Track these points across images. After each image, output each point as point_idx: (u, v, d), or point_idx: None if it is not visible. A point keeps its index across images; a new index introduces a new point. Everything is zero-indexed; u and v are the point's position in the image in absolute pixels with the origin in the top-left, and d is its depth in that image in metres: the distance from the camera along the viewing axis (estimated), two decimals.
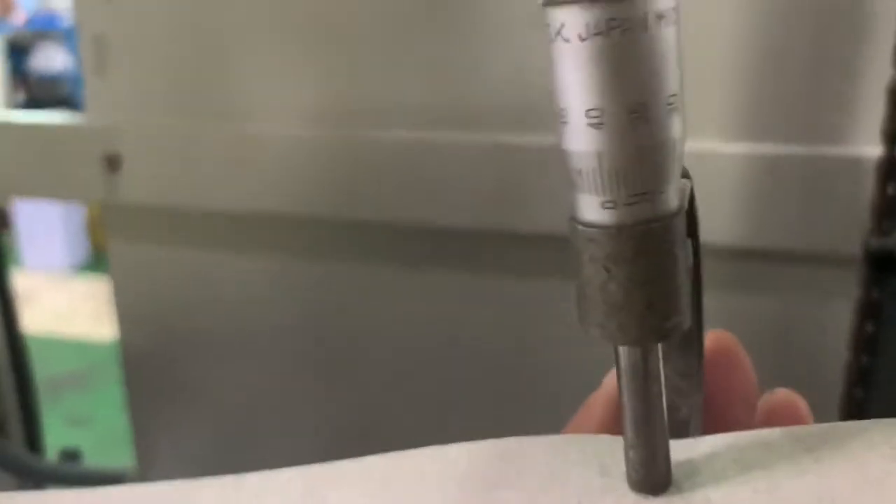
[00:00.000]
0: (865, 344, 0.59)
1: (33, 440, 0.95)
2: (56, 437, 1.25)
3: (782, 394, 0.29)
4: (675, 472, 0.21)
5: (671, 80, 0.18)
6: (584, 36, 0.17)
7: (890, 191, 0.57)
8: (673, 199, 0.19)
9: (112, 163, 0.80)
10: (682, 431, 0.27)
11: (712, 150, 0.64)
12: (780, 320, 0.67)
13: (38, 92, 3.28)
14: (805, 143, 0.63)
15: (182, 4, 0.78)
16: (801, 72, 0.62)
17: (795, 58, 0.62)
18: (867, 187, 0.59)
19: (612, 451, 0.22)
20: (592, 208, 0.19)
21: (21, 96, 3.34)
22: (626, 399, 0.21)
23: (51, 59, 3.31)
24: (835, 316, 0.64)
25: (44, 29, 3.41)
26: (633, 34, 0.17)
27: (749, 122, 0.64)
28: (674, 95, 0.18)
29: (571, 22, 0.18)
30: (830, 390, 0.62)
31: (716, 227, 0.65)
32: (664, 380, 0.27)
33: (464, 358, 0.81)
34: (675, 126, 0.18)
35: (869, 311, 0.58)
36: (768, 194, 0.64)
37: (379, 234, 0.79)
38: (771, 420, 0.28)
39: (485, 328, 0.79)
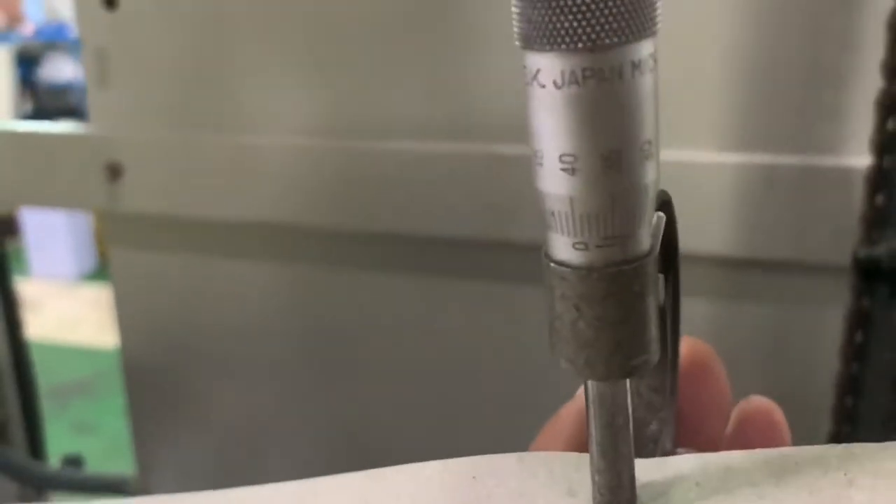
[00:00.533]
0: (855, 353, 0.59)
1: (36, 446, 0.96)
2: (61, 445, 1.26)
3: (757, 402, 0.29)
4: (641, 493, 0.22)
5: (646, 128, 0.18)
6: (559, 84, 0.18)
7: (878, 200, 0.57)
8: (645, 240, 0.19)
9: (114, 172, 0.81)
10: (650, 446, 0.27)
11: (704, 160, 0.65)
12: (772, 329, 0.68)
13: (46, 102, 3.30)
14: (796, 154, 0.63)
15: (184, 18, 0.79)
16: (793, 83, 0.63)
17: (787, 69, 0.63)
18: (858, 197, 0.59)
19: (580, 471, 0.23)
20: (564, 248, 0.20)
21: (29, 106, 3.37)
22: (592, 428, 0.22)
23: (59, 70, 3.33)
24: (827, 325, 0.64)
25: (52, 40, 3.44)
26: (609, 84, 0.18)
27: (741, 133, 0.65)
28: (648, 142, 0.18)
29: (547, 68, 0.18)
30: (823, 399, 0.62)
31: (707, 236, 0.65)
32: (636, 395, 0.27)
33: (463, 366, 0.81)
34: (649, 172, 0.19)
35: (858, 321, 0.58)
36: (760, 204, 0.65)
37: (378, 244, 0.80)
38: (745, 428, 0.29)
39: (482, 336, 0.80)
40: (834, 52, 0.61)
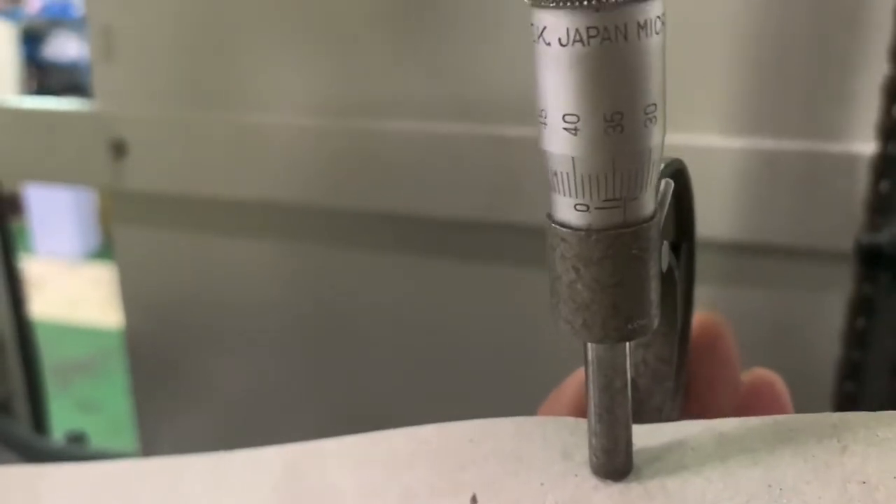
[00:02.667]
0: (857, 339, 0.59)
1: (39, 423, 0.96)
2: (65, 422, 1.26)
3: (760, 373, 0.29)
4: (637, 458, 0.22)
5: (651, 91, 0.18)
6: (564, 42, 0.17)
7: (883, 187, 0.57)
8: (647, 205, 0.19)
9: (118, 149, 0.81)
10: (654, 417, 0.27)
11: (709, 145, 0.65)
12: (775, 314, 0.68)
13: (52, 80, 3.30)
14: (801, 139, 0.63)
15: None
16: (799, 68, 0.63)
17: (793, 54, 0.63)
18: (862, 183, 0.59)
19: (576, 435, 0.23)
20: (566, 208, 0.20)
21: (35, 84, 3.37)
22: (590, 390, 0.22)
23: (64, 48, 3.33)
24: (829, 310, 0.65)
25: (58, 17, 3.43)
26: (614, 44, 0.17)
27: (746, 118, 0.65)
28: (652, 105, 0.18)
29: (553, 26, 0.18)
30: (823, 385, 0.62)
31: (711, 221, 0.65)
32: (642, 364, 0.27)
33: (468, 346, 0.81)
34: (653, 136, 0.19)
35: (860, 307, 0.58)
36: (764, 189, 0.65)
37: (380, 224, 0.80)
38: (749, 399, 0.29)
39: (483, 316, 0.80)
40: (841, 38, 0.61)
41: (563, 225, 0.20)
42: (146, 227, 0.87)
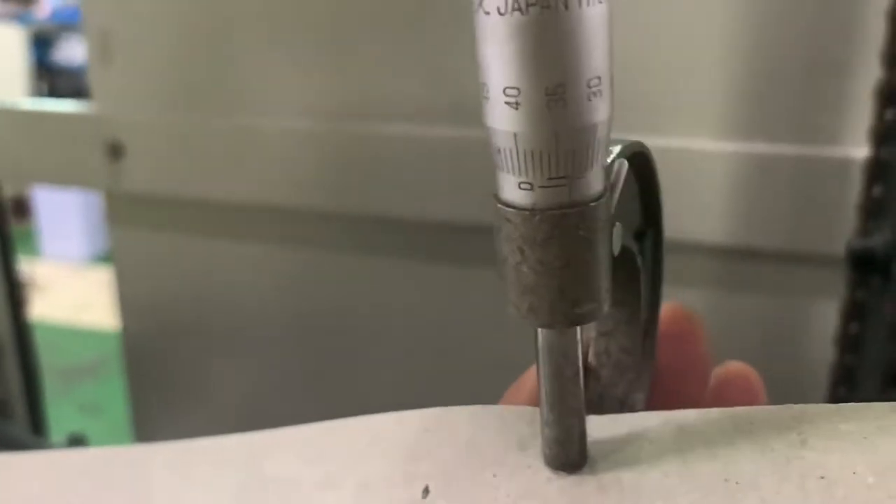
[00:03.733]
0: (849, 344, 0.59)
1: (38, 425, 0.97)
2: (68, 425, 1.27)
3: (733, 366, 0.29)
4: (592, 450, 0.22)
5: (595, 63, 0.17)
6: (502, 10, 0.17)
7: (875, 191, 0.57)
8: (594, 184, 0.19)
9: (115, 151, 0.81)
10: (615, 408, 0.27)
11: (702, 149, 0.65)
12: (767, 319, 0.68)
13: (61, 83, 3.32)
14: (794, 143, 0.63)
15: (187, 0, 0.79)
16: (792, 72, 0.62)
17: (786, 58, 0.63)
18: (854, 188, 0.59)
19: (533, 426, 0.23)
20: (510, 188, 0.19)
21: (45, 87, 3.39)
22: (541, 379, 0.21)
23: (73, 52, 3.34)
24: (822, 315, 0.64)
25: (67, 22, 3.45)
26: (553, 12, 0.17)
27: (739, 122, 0.64)
28: (596, 79, 0.17)
29: None
30: (816, 390, 0.62)
31: (704, 224, 0.65)
32: (605, 354, 0.27)
33: (468, 350, 0.81)
34: (598, 111, 0.18)
35: (853, 312, 0.58)
36: (757, 193, 0.64)
37: (378, 227, 0.80)
38: (722, 392, 0.28)
39: (484, 320, 0.80)
40: (833, 42, 0.61)
41: (507, 205, 0.19)
42: (143, 229, 0.87)
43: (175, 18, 0.79)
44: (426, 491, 0.22)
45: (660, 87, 0.65)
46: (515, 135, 0.18)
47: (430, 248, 0.79)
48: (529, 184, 0.18)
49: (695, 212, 0.65)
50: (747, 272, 0.67)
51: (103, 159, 0.82)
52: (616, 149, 0.22)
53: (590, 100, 0.17)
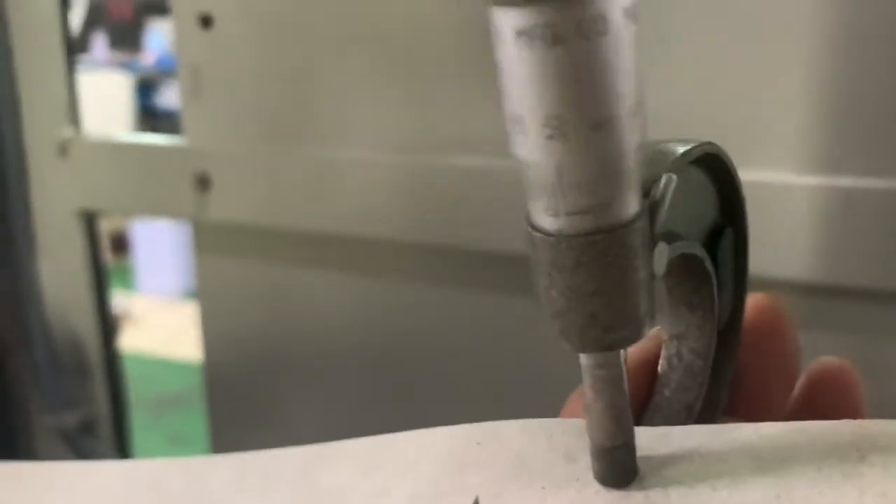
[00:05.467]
0: None
1: (123, 449, 1.00)
2: (156, 454, 1.30)
3: (827, 363, 0.27)
4: (642, 464, 0.22)
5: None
6: (541, 42, 0.16)
7: None
8: (627, 208, 0.18)
9: (202, 183, 0.84)
10: (682, 415, 0.26)
11: (786, 182, 0.63)
12: (855, 360, 0.65)
13: (163, 126, 3.47)
14: (884, 177, 0.61)
15: (274, 37, 0.82)
16: (879, 102, 0.60)
17: (875, 87, 0.61)
18: None
19: (583, 438, 0.23)
20: (538, 213, 0.19)
21: (148, 130, 3.55)
22: (587, 397, 0.21)
23: (175, 97, 3.49)
24: None
25: (170, 69, 3.61)
26: (593, 42, 0.16)
27: (825, 154, 0.63)
28: (637, 104, 0.17)
29: (524, 25, 0.16)
30: None
31: (789, 261, 0.63)
32: (676, 357, 0.26)
33: (544, 384, 0.80)
34: (635, 136, 0.17)
35: None
36: (845, 229, 0.62)
37: (460, 259, 0.80)
38: (812, 394, 0.26)
39: (562, 356, 0.79)
40: None
41: (536, 229, 0.19)
42: (228, 259, 0.89)
43: (261, 56, 0.82)
44: (476, 502, 0.22)
45: (741, 118, 0.64)
46: (537, 164, 0.18)
47: (507, 280, 0.79)
48: (554, 210, 0.18)
49: (778, 247, 0.63)
50: (833, 311, 0.65)
51: (191, 190, 0.85)
52: (677, 151, 0.21)
53: (628, 125, 0.17)
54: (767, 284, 0.64)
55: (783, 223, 0.63)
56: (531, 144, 0.18)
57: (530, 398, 0.82)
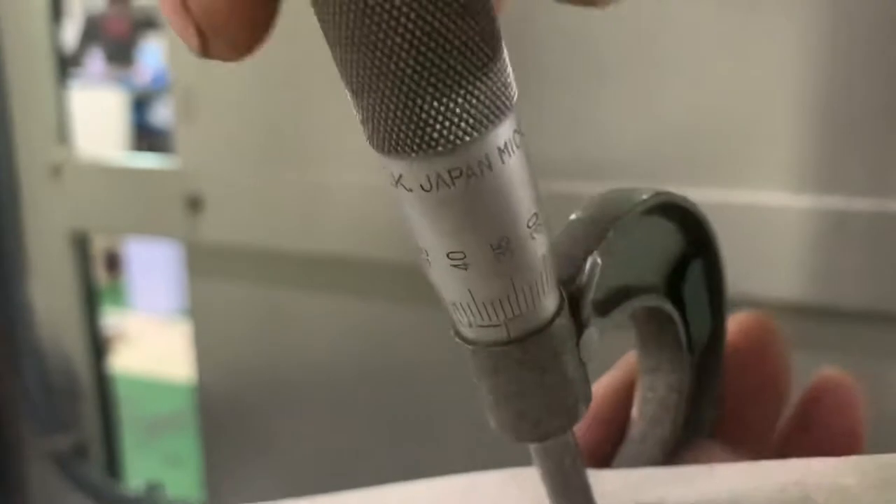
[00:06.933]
0: None
1: (115, 470, 0.99)
2: (150, 474, 1.29)
3: (826, 378, 0.26)
4: None
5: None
6: (426, 187, 0.16)
7: None
8: (541, 313, 0.18)
9: (195, 204, 0.84)
10: (657, 449, 0.26)
11: (778, 203, 0.63)
12: None
13: (158, 144, 3.47)
14: (874, 197, 0.61)
15: (267, 61, 0.81)
16: (872, 123, 0.61)
17: (865, 108, 0.61)
18: None
19: None
20: (457, 323, 0.19)
21: (143, 147, 3.55)
22: (541, 478, 0.21)
23: (170, 114, 3.49)
24: None
25: (166, 86, 3.61)
26: (479, 178, 0.16)
27: (816, 175, 0.63)
28: (534, 216, 0.17)
29: (410, 173, 0.16)
30: None
31: (779, 282, 0.63)
32: (650, 390, 0.26)
33: None
34: (541, 245, 0.18)
35: None
36: (835, 249, 0.62)
37: None
38: (810, 410, 0.26)
39: None
40: None
41: (458, 335, 0.19)
42: (220, 281, 0.89)
43: (254, 78, 0.82)
44: None
45: (733, 139, 0.64)
46: (459, 289, 0.18)
47: None
48: (469, 322, 0.18)
49: (769, 268, 0.63)
50: (823, 332, 0.65)
51: (184, 212, 0.85)
52: (623, 211, 0.22)
53: (529, 241, 0.17)
54: (758, 304, 0.63)
55: (775, 244, 0.63)
56: (439, 273, 0.18)
57: None
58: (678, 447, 0.26)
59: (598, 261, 0.20)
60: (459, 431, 0.83)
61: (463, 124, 0.16)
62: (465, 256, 0.17)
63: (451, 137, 0.16)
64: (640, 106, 0.66)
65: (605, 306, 0.21)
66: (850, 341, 0.64)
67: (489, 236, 0.17)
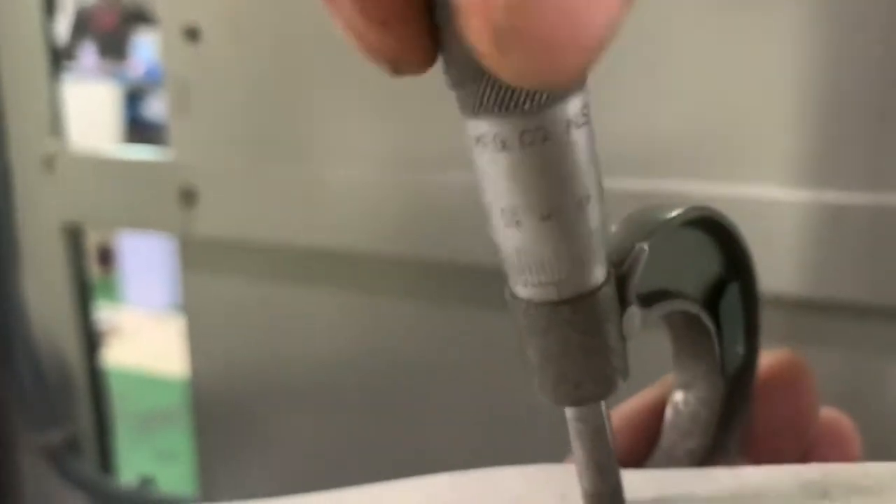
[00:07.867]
0: None
1: (107, 465, 0.99)
2: (144, 468, 1.29)
3: (825, 417, 0.27)
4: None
5: (585, 183, 0.19)
6: (506, 146, 0.18)
7: None
8: (588, 279, 0.20)
9: (188, 197, 0.84)
10: (684, 461, 0.27)
11: (773, 197, 0.63)
12: (842, 376, 0.65)
13: (152, 137, 3.46)
14: (871, 191, 0.61)
15: (262, 52, 0.81)
16: (868, 117, 0.61)
17: (862, 102, 0.61)
18: None
19: (575, 482, 0.24)
20: (513, 281, 0.21)
21: (137, 141, 3.54)
22: (573, 443, 0.23)
23: (163, 108, 3.48)
24: None
25: (159, 79, 3.60)
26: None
27: (812, 169, 0.63)
28: (587, 196, 0.19)
29: (495, 132, 0.18)
30: (894, 451, 0.59)
31: (776, 276, 0.63)
32: (683, 404, 0.27)
33: (539, 403, 0.80)
34: (591, 221, 0.19)
35: None
36: (832, 243, 0.62)
37: (451, 274, 0.80)
38: (813, 448, 0.27)
39: None
40: None
41: (512, 294, 0.21)
42: (214, 274, 0.89)
43: (249, 72, 0.82)
44: None
45: (729, 133, 0.64)
46: (509, 247, 0.20)
47: (499, 296, 0.78)
48: (525, 280, 0.20)
49: (766, 262, 0.63)
50: (820, 326, 0.65)
51: (177, 205, 0.84)
52: (658, 219, 0.23)
53: (576, 216, 0.19)
54: None
55: (771, 238, 0.63)
56: (494, 230, 0.20)
57: (526, 414, 0.82)
58: (705, 462, 0.27)
59: (645, 247, 0.22)
60: (457, 423, 0.83)
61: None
62: (513, 216, 0.19)
63: (537, 98, 0.17)
64: (638, 101, 0.66)
65: (648, 300, 0.23)
66: (848, 335, 0.64)
67: (536, 201, 0.19)
